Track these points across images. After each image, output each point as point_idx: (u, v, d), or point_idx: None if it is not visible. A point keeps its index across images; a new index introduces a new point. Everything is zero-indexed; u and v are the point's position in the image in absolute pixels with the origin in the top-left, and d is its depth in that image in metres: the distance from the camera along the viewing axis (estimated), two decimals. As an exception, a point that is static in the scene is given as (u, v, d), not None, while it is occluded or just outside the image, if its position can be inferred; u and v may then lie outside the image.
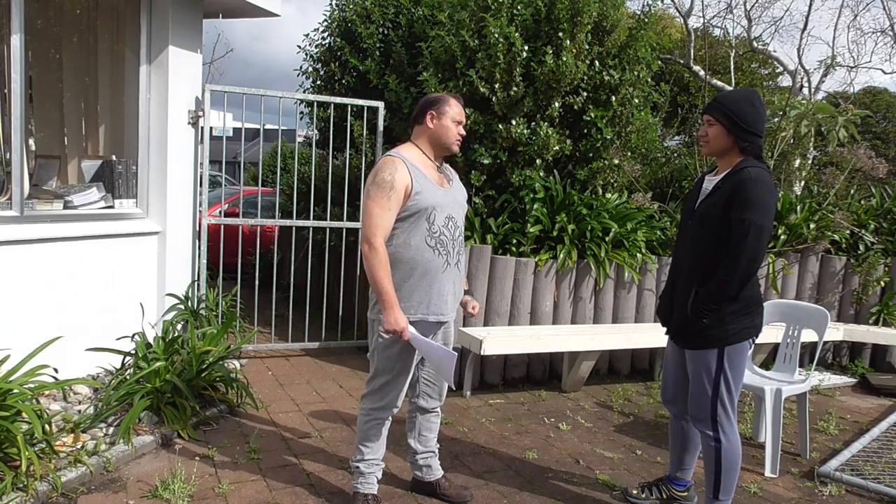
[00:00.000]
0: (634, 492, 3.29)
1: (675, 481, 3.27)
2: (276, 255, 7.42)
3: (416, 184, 2.71)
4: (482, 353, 4.43)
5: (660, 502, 3.27)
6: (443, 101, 2.86)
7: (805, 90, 12.76)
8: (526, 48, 5.11)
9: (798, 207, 6.06)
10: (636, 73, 5.53)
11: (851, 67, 14.40)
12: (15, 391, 3.09)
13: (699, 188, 3.00)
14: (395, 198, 2.67)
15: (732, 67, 13.57)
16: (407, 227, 2.73)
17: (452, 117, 2.84)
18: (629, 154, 5.84)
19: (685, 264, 2.94)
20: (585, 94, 5.35)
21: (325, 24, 7.41)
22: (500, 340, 4.51)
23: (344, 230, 5.82)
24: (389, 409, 2.93)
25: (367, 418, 2.95)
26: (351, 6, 7.09)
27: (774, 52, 13.51)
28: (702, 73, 12.17)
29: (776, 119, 7.04)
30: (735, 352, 2.85)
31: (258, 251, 5.57)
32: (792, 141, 7.02)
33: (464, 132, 2.90)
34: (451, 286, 2.85)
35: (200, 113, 4.92)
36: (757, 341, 4.28)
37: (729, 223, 2.74)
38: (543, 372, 5.25)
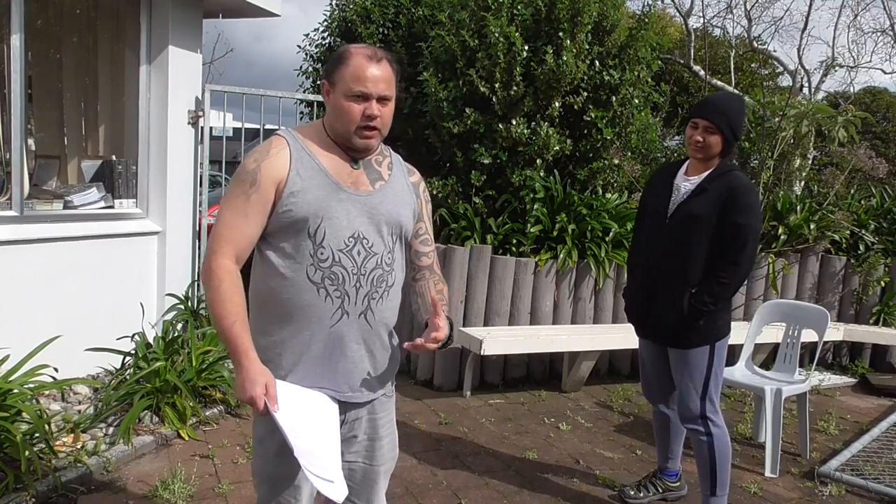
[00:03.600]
0: (632, 492, 3.28)
1: (666, 472, 3.30)
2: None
3: (296, 177, 1.73)
4: (482, 353, 4.43)
5: (659, 497, 3.27)
6: (341, 60, 1.76)
7: (805, 90, 12.76)
8: (526, 48, 5.11)
9: (798, 207, 6.05)
10: (636, 73, 5.53)
11: (851, 67, 14.40)
12: (15, 391, 3.09)
13: (668, 186, 2.96)
14: (259, 198, 1.71)
15: (732, 67, 13.57)
16: (280, 247, 1.75)
17: (347, 90, 1.73)
18: (629, 154, 5.85)
19: (670, 265, 2.90)
20: (585, 94, 5.36)
21: (325, 23, 7.42)
22: (500, 340, 4.51)
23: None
24: None
25: None
26: (351, 6, 7.09)
27: (774, 52, 13.54)
28: (702, 73, 12.17)
29: (776, 119, 7.04)
30: (722, 346, 2.93)
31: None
32: (792, 141, 7.02)
33: (374, 112, 1.74)
34: (354, 349, 1.80)
35: (200, 113, 4.91)
36: (757, 341, 4.30)
37: (721, 226, 2.77)
38: (543, 372, 5.25)
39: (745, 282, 2.95)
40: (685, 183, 2.92)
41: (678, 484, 3.31)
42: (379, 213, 1.80)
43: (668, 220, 2.92)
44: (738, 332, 3.04)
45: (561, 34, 5.17)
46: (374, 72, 1.73)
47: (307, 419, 1.73)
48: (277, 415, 1.65)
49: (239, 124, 6.49)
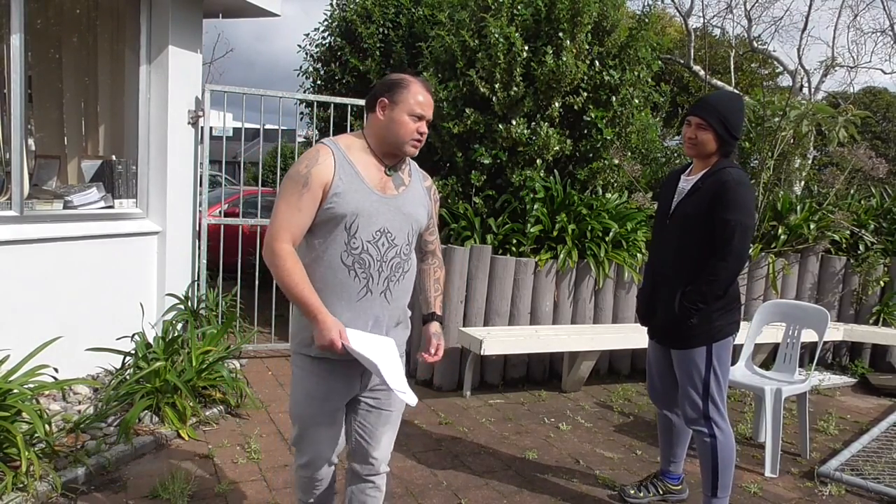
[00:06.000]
0: (632, 491, 3.29)
1: (668, 475, 3.30)
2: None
3: (339, 182, 2.13)
4: (482, 353, 4.43)
5: (659, 499, 3.27)
6: (402, 85, 2.20)
7: (805, 90, 12.76)
8: (526, 48, 5.11)
9: (798, 207, 6.05)
10: (636, 73, 5.53)
11: (851, 67, 14.40)
12: (15, 391, 3.09)
13: (673, 187, 3.02)
14: (310, 197, 2.11)
15: (732, 67, 13.57)
16: (323, 235, 2.17)
17: (410, 110, 2.17)
18: (629, 154, 5.84)
19: (667, 264, 2.96)
20: (585, 94, 5.35)
21: (326, 23, 7.42)
22: (500, 340, 4.51)
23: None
24: (313, 469, 2.36)
25: (295, 475, 2.44)
26: (351, 6, 7.10)
27: (774, 52, 13.54)
28: (702, 73, 12.17)
29: (776, 119, 7.04)
30: (722, 347, 2.91)
31: (258, 251, 5.56)
32: (792, 141, 7.02)
33: (425, 130, 2.22)
34: (374, 320, 2.23)
35: (200, 113, 4.92)
36: (757, 341, 4.30)
37: (712, 223, 2.78)
38: (543, 372, 5.25)
39: (736, 280, 2.90)
40: (684, 183, 2.97)
41: (680, 487, 3.31)
42: (402, 213, 2.23)
43: (669, 220, 2.97)
44: (739, 333, 3.04)
45: (561, 34, 5.17)
46: (431, 100, 2.24)
47: (374, 352, 2.14)
48: (354, 346, 2.07)
49: (239, 124, 6.50)
